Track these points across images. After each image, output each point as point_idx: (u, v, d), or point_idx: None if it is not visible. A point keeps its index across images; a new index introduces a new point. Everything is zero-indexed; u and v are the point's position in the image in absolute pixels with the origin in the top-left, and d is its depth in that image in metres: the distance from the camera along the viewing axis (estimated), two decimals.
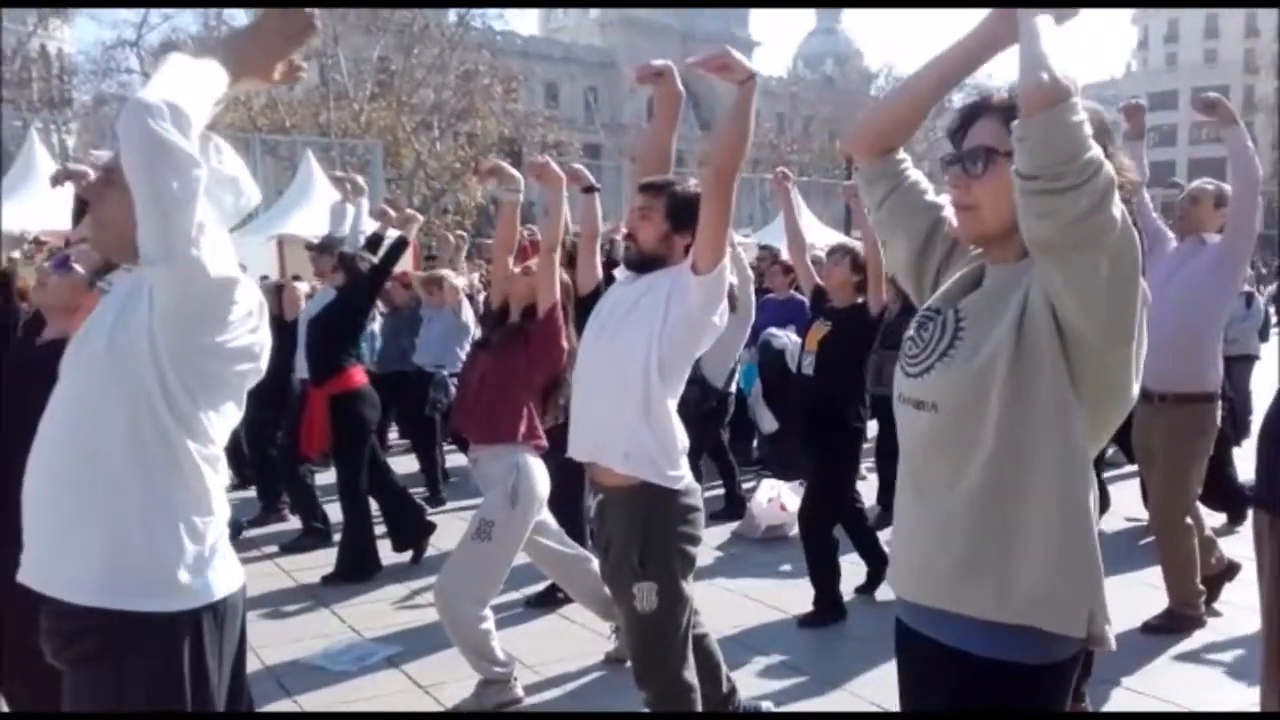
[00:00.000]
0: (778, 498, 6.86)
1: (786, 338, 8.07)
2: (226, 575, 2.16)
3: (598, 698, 4.42)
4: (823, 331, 5.45)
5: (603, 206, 4.70)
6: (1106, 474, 6.68)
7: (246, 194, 2.25)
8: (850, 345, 5.34)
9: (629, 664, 3.59)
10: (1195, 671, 4.58)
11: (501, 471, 4.30)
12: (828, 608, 5.26)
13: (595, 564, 4.56)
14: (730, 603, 5.53)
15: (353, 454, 6.23)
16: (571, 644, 5.00)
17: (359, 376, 6.34)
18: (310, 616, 5.55)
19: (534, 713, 4.31)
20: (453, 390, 7.22)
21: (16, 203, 13.08)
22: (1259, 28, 70.69)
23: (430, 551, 6.48)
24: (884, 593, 5.46)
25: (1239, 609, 5.02)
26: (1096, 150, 1.69)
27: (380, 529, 6.46)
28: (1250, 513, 4.12)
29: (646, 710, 3.37)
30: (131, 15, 31.59)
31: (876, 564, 5.55)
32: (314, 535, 6.86)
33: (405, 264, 9.00)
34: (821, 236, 17.02)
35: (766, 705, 4.19)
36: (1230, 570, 5.28)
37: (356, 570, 6.11)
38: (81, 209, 3.54)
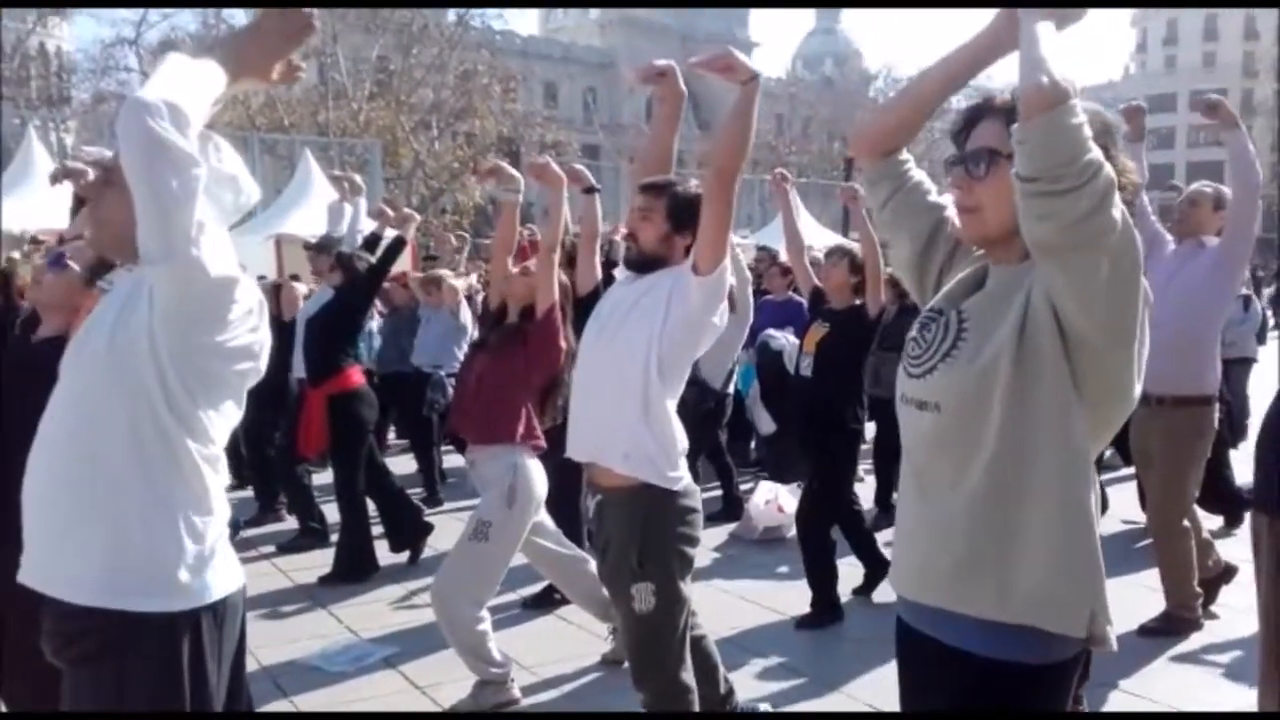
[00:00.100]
0: (775, 499, 6.86)
1: (785, 339, 8.07)
2: (226, 575, 2.16)
3: (594, 699, 4.42)
4: (821, 333, 5.45)
5: (601, 207, 4.70)
6: (1104, 477, 6.67)
7: (246, 191, 2.24)
8: (848, 347, 5.34)
9: (626, 665, 3.59)
10: (1193, 674, 4.58)
11: (499, 472, 4.29)
12: (825, 609, 5.26)
13: (593, 565, 4.56)
14: (727, 604, 5.53)
15: (350, 454, 6.22)
16: (568, 645, 4.99)
17: (356, 377, 6.33)
18: (307, 617, 5.55)
19: (531, 713, 4.31)
20: (450, 391, 7.22)
21: (15, 201, 13.05)
22: (1258, 30, 70.77)
23: (427, 552, 6.48)
24: (881, 594, 5.47)
25: (1236, 611, 5.03)
26: (1096, 152, 1.70)
27: (377, 529, 6.46)
28: (1248, 515, 4.13)
29: (643, 711, 3.36)
30: (130, 14, 31.59)
31: (874, 566, 5.55)
32: (311, 535, 6.86)
33: (404, 264, 9.01)
34: (820, 238, 17.01)
35: (764, 707, 4.19)
36: (1228, 573, 5.28)
37: (354, 571, 6.10)
38: (79, 207, 3.54)
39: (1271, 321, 16.95)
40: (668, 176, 3.38)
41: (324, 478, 7.17)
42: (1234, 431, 7.95)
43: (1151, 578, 5.17)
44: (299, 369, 6.64)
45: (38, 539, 2.10)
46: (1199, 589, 5.02)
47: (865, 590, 5.58)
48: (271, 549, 6.78)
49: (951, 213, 2.10)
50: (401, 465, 8.55)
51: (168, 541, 2.06)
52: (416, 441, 8.62)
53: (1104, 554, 1.90)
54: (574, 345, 4.20)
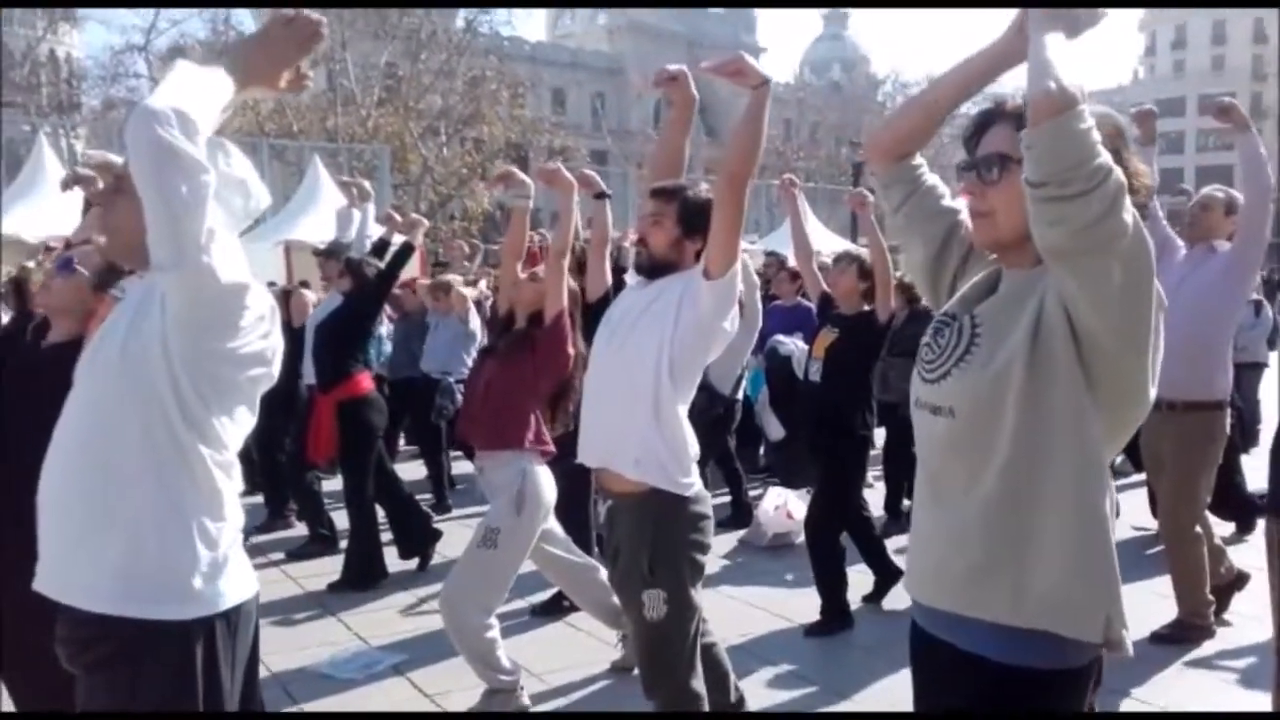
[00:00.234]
0: (784, 505, 6.84)
1: (794, 344, 8.06)
2: (240, 582, 2.16)
3: (604, 706, 4.41)
4: (830, 338, 5.44)
5: (610, 213, 4.70)
6: (1114, 483, 6.64)
7: (256, 196, 2.25)
8: (858, 353, 5.33)
9: (635, 672, 3.58)
10: (1205, 681, 4.55)
11: (507, 478, 4.28)
12: (834, 616, 5.24)
13: (602, 573, 4.55)
14: (736, 611, 5.51)
15: (359, 461, 6.22)
16: (578, 652, 4.98)
17: (366, 383, 6.32)
18: (316, 624, 5.54)
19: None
20: (459, 397, 7.22)
21: (26, 207, 13.11)
22: (1267, 34, 70.60)
23: (436, 559, 6.47)
24: (891, 601, 5.45)
25: (1248, 618, 5.00)
26: (1105, 156, 1.70)
27: (386, 536, 6.46)
28: (1261, 522, 4.11)
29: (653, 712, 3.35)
30: (140, 20, 31.77)
31: (883, 572, 5.53)
32: (320, 542, 6.85)
33: (412, 270, 9.01)
34: (828, 243, 17.03)
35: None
36: (1239, 580, 5.25)
37: (363, 577, 6.10)
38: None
39: None
40: (678, 181, 3.38)
41: (333, 484, 7.17)
42: (1245, 437, 7.92)
43: (1163, 584, 5.14)
44: (309, 375, 6.64)
45: (53, 547, 2.10)
46: (1211, 596, 5.00)
47: (875, 597, 5.56)
48: (281, 555, 6.78)
49: (965, 217, 2.10)
50: (411, 471, 8.54)
51: (182, 548, 2.06)
52: (425, 447, 8.63)
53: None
54: (583, 351, 4.20)
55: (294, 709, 4.41)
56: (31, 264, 6.74)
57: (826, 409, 5.35)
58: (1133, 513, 6.90)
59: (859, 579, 5.52)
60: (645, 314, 3.20)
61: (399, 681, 4.69)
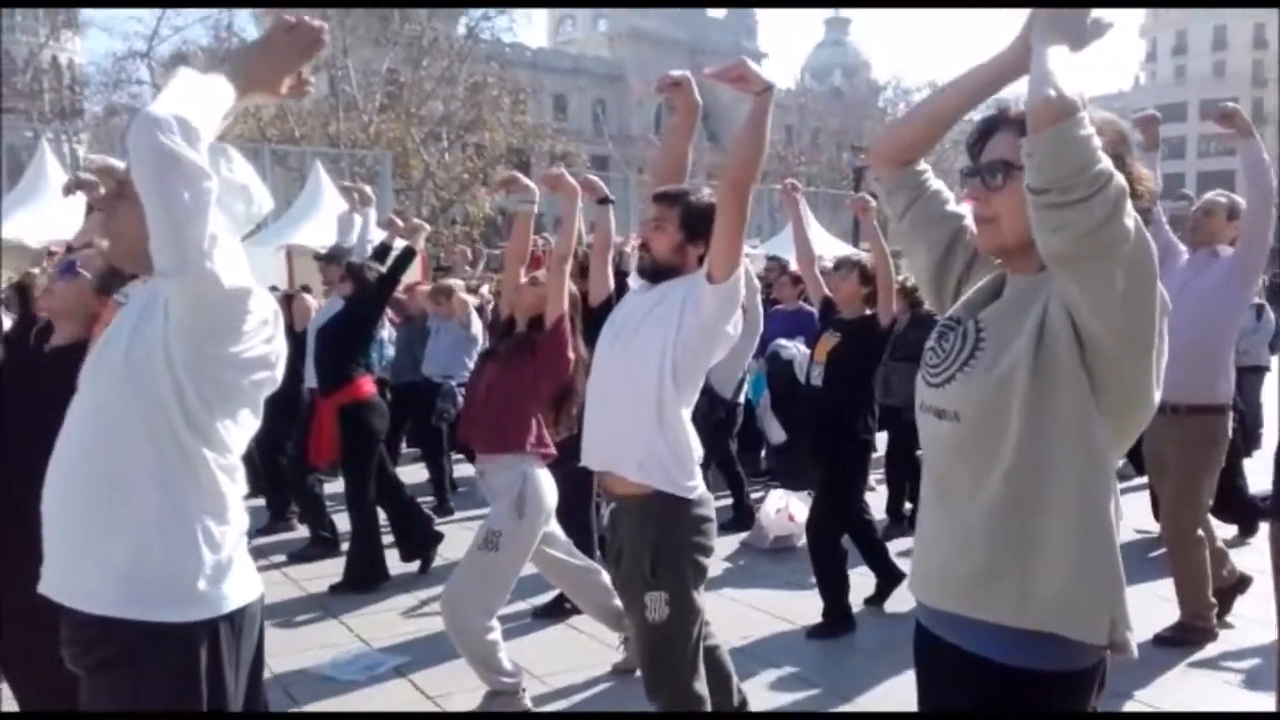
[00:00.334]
0: (786, 508, 6.85)
1: (795, 348, 8.07)
2: (244, 585, 2.16)
3: (605, 708, 4.41)
4: (832, 343, 5.44)
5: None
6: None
7: (258, 201, 2.25)
8: (859, 357, 5.34)
9: (637, 674, 3.58)
10: (1208, 684, 4.55)
11: (508, 482, 4.29)
12: (836, 619, 5.24)
13: (604, 575, 4.56)
14: (738, 613, 5.51)
15: (361, 464, 6.23)
16: (579, 654, 4.98)
17: (367, 386, 6.34)
18: (318, 626, 5.55)
19: None
20: (460, 400, 7.23)
21: (28, 213, 13.12)
22: (1267, 39, 70.63)
23: (438, 561, 6.48)
24: (893, 604, 5.45)
25: (1250, 621, 5.00)
26: (1106, 162, 1.70)
27: (388, 538, 6.47)
28: (1263, 525, 4.11)
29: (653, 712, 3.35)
30: (143, 26, 31.86)
31: (885, 575, 5.53)
32: (322, 545, 6.86)
33: (414, 275, 9.02)
34: (829, 248, 17.02)
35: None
36: (1242, 583, 5.25)
37: (364, 580, 6.11)
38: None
39: None
40: (681, 186, 3.38)
41: (335, 486, 7.18)
42: (1247, 440, 7.93)
43: (1165, 587, 5.14)
44: (310, 379, 6.66)
45: (57, 551, 2.11)
46: (1213, 599, 5.00)
47: (877, 600, 5.56)
48: (283, 558, 6.79)
49: (970, 222, 2.10)
50: (412, 474, 8.55)
51: (186, 552, 2.06)
52: (427, 450, 8.64)
53: None
54: (584, 355, 4.21)
55: (295, 710, 4.41)
56: (36, 270, 6.76)
57: (828, 413, 5.36)
58: (1135, 516, 6.90)
59: (860, 581, 5.52)
60: (648, 318, 3.21)
61: (401, 683, 4.70)
